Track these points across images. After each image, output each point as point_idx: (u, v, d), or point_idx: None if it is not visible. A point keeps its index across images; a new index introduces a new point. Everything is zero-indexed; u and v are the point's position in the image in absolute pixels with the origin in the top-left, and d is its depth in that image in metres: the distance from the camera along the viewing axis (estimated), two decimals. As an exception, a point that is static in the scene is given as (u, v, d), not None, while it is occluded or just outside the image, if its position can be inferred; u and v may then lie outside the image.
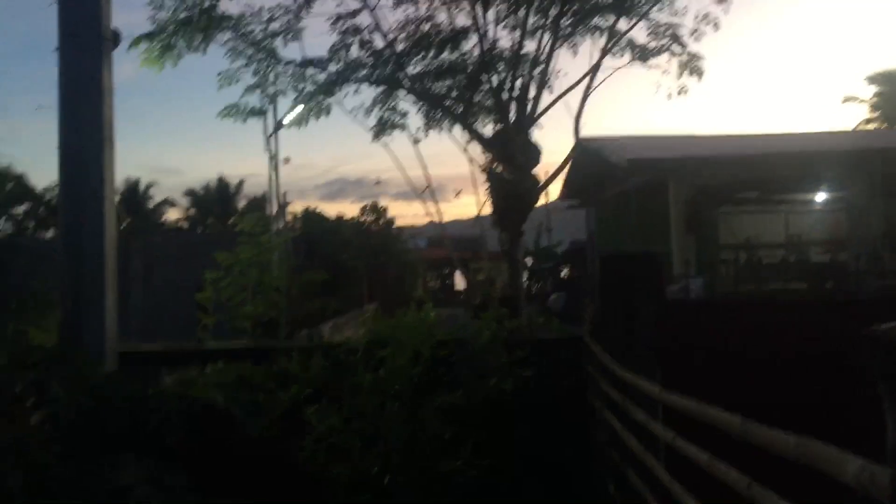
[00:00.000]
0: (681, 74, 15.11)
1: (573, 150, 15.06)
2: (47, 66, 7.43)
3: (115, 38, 7.58)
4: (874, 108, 39.67)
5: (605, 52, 14.85)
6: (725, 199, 17.02)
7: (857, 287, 13.31)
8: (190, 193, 58.16)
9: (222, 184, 57.87)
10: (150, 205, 58.57)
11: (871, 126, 37.68)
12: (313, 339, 7.95)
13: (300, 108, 16.18)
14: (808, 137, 20.60)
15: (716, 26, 14.56)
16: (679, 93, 15.25)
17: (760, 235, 16.97)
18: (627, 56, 15.12)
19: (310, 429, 6.59)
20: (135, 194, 57.46)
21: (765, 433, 2.66)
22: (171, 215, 57.91)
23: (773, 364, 5.63)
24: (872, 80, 40.10)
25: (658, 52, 14.82)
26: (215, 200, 55.11)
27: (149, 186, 58.68)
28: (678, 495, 3.77)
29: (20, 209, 48.68)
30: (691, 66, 14.96)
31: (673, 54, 14.89)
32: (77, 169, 7.15)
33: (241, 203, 52.04)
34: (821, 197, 17.98)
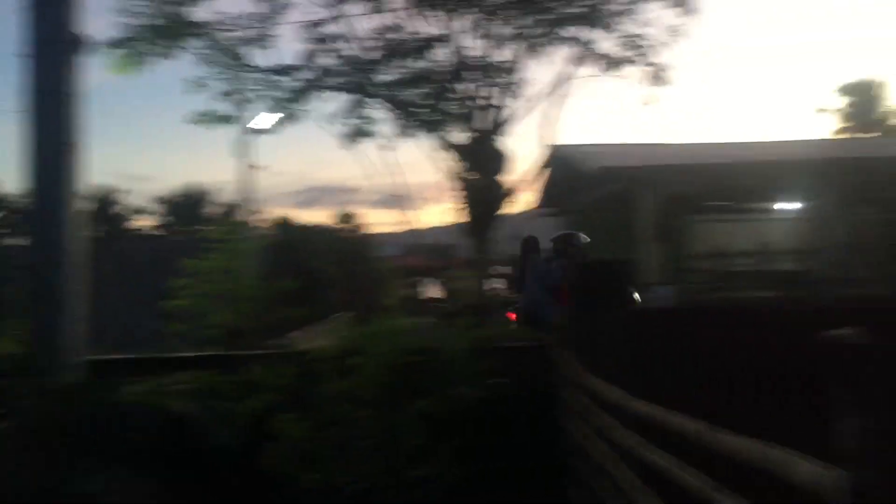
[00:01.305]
0: (650, 84, 15.35)
1: (547, 158, 15.23)
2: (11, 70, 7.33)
3: (82, 43, 7.51)
4: (847, 117, 40.37)
5: (575, 62, 15.09)
6: (696, 207, 17.13)
7: (824, 295, 13.50)
8: (162, 200, 57.92)
9: (194, 191, 57.60)
10: (123, 212, 58.21)
11: (844, 136, 38.35)
12: (284, 348, 7.93)
13: (273, 115, 16.16)
14: (780, 146, 20.88)
15: (684, 37, 14.81)
16: (648, 102, 15.50)
17: (731, 244, 17.11)
18: (598, 66, 15.33)
19: (280, 437, 6.57)
20: (107, 201, 57.05)
21: (727, 439, 2.72)
22: (144, 222, 57.60)
23: (739, 370, 5.70)
24: (844, 90, 40.81)
25: (627, 62, 15.05)
26: (187, 207, 54.82)
27: (119, 193, 58.27)
28: (647, 501, 3.81)
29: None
30: (659, 76, 15.21)
31: (642, 65, 15.13)
32: (44, 175, 7.08)
33: (214, 210, 51.76)
34: (791, 206, 18.24)
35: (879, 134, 37.40)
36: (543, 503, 6.74)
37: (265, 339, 10.47)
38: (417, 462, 6.33)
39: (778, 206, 18.54)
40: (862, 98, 40.16)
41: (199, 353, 8.44)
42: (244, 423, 6.67)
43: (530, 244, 9.32)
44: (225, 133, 19.40)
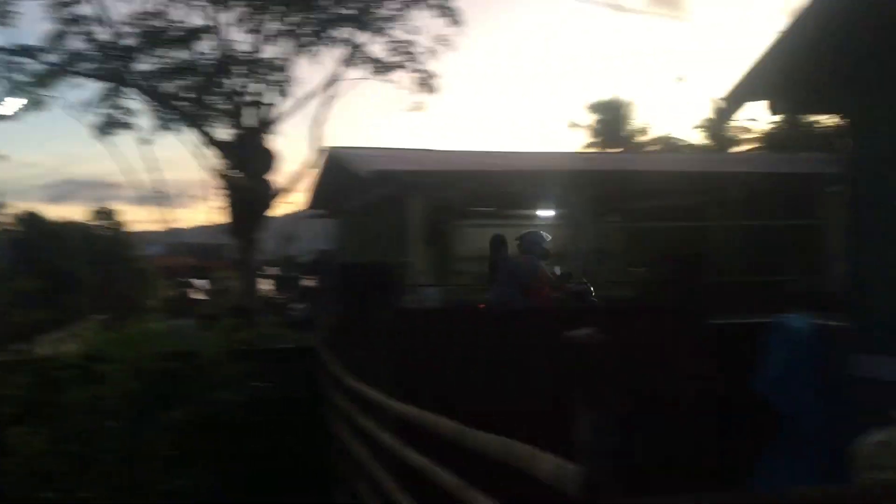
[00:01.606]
0: (417, 90, 15.69)
1: (317, 159, 15.01)
2: None
3: None
4: (595, 133, 43.73)
5: (344, 63, 15.06)
6: (462, 212, 17.69)
7: (575, 296, 14.40)
8: None
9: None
10: None
11: (591, 150, 41.44)
12: (21, 354, 7.19)
13: (15, 100, 14.71)
14: (538, 157, 22.08)
15: (451, 47, 15.31)
16: (416, 108, 15.85)
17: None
18: (368, 69, 15.46)
19: (13, 453, 5.95)
20: None
21: (477, 436, 2.78)
22: None
23: (496, 369, 5.91)
24: (594, 108, 44.21)
25: (395, 67, 15.29)
26: None
27: None
28: (404, 499, 3.83)
29: None
30: (426, 82, 15.59)
31: (410, 70, 15.45)
32: None
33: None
34: (547, 213, 19.35)
35: (624, 149, 40.84)
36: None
37: (4, 344, 9.50)
38: (170, 474, 5.99)
39: (535, 212, 19.62)
40: (610, 115, 43.67)
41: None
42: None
43: (499, 242, 9.60)
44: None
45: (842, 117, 5.85)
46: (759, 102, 5.74)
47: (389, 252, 16.80)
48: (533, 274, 8.08)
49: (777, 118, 27.33)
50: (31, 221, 35.89)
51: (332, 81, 15.02)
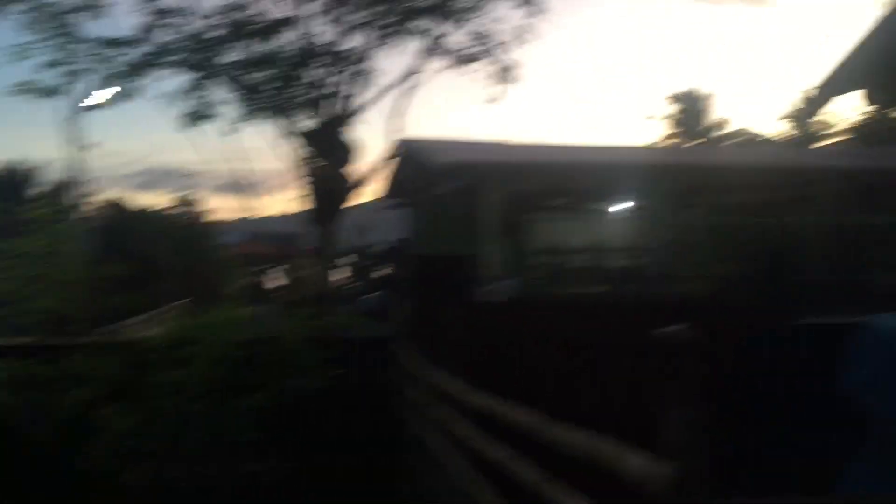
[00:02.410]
0: (498, 81, 15.55)
1: (395, 150, 15.09)
2: None
3: None
4: (674, 125, 42.86)
5: (424, 55, 15.05)
6: (536, 205, 17.60)
7: (651, 291, 14.21)
8: (-20, 179, 53.69)
9: (14, 169, 53.65)
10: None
11: (673, 140, 40.67)
12: (111, 336, 7.43)
13: (106, 91, 15.21)
14: (615, 150, 21.82)
15: (531, 37, 15.16)
16: (495, 99, 15.74)
17: (568, 241, 17.67)
18: (447, 60, 15.40)
19: (104, 432, 6.16)
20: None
21: (560, 432, 2.75)
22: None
23: (576, 363, 5.87)
24: (674, 98, 43.34)
25: (476, 58, 15.19)
26: (10, 186, 50.94)
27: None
28: (481, 493, 3.83)
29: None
30: (505, 73, 15.45)
31: (489, 62, 15.33)
32: None
33: (41, 190, 48.47)
34: (623, 206, 19.11)
35: (702, 142, 40.02)
36: (379, 495, 6.69)
37: (92, 327, 9.84)
38: (250, 459, 6.12)
39: (612, 206, 19.39)
40: (689, 107, 42.83)
41: (14, 342, 7.80)
42: (65, 417, 6.21)
43: None
44: (55, 107, 18.07)
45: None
46: (854, 93, 5.53)
47: (464, 244, 16.85)
48: None
49: (866, 110, 26.38)
50: (118, 209, 37.19)
51: (411, 73, 15.06)
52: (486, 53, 15.20)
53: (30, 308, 8.83)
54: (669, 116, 43.18)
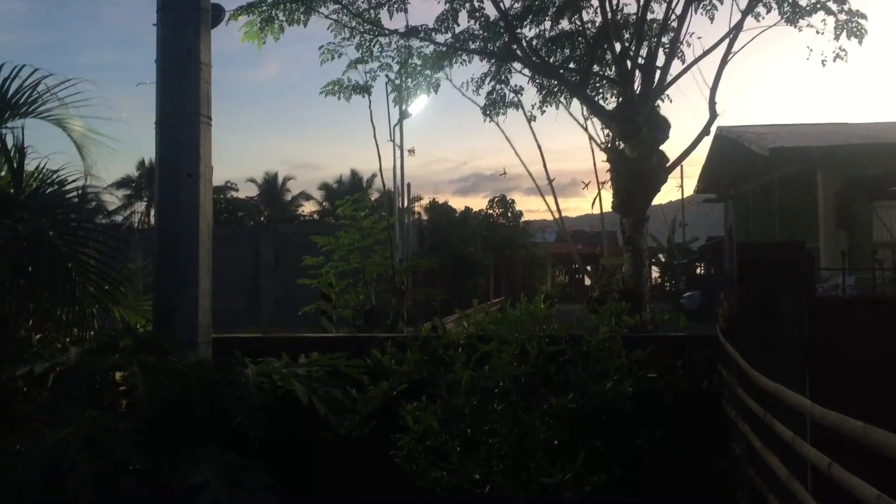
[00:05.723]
0: (837, 37, 13.12)
1: (705, 129, 13.42)
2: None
3: (216, 12, 7.24)
4: None
5: (747, 12, 13.06)
6: (880, 191, 15.53)
7: None
8: (324, 187, 60.20)
9: (355, 177, 59.38)
10: (288, 198, 60.85)
11: None
12: (413, 332, 7.35)
13: (422, 97, 15.75)
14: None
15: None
16: (835, 59, 13.45)
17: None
18: (773, 16, 13.28)
19: (408, 429, 6.02)
20: (273, 187, 59.87)
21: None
22: (307, 208, 60.07)
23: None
24: None
25: (812, 10, 12.96)
26: (347, 193, 56.31)
27: (286, 180, 61.04)
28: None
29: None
30: (851, 26, 12.92)
31: (829, 13, 12.91)
32: (173, 147, 6.84)
33: (374, 196, 53.00)
34: None
35: None
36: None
37: (413, 322, 10.06)
38: (554, 464, 5.60)
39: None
40: None
41: (324, 336, 8.08)
42: (367, 412, 6.17)
43: None
44: (381, 116, 19.20)
45: None
46: None
47: (794, 237, 15.49)
48: None
49: None
50: (440, 211, 39.33)
51: (732, 33, 13.06)
52: (825, 4, 12.84)
53: (341, 301, 9.19)
54: None
